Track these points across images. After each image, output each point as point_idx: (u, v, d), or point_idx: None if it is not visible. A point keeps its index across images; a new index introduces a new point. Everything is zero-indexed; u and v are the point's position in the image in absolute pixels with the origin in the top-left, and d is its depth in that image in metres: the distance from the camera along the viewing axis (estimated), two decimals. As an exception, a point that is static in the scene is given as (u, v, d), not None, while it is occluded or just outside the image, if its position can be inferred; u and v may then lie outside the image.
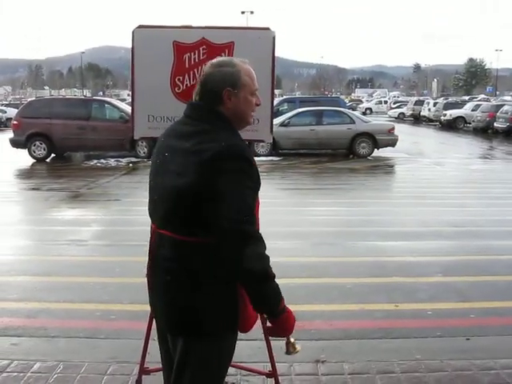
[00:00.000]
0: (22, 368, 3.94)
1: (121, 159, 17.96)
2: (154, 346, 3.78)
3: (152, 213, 2.37)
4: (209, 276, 2.21)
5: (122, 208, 10.62)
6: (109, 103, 20.00)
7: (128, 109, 20.20)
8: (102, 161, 17.91)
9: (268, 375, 3.58)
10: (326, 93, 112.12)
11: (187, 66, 3.38)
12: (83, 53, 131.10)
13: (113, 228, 8.97)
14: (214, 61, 2.38)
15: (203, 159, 2.11)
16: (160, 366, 3.80)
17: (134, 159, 17.87)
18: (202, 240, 2.17)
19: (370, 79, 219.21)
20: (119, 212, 10.22)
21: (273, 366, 3.51)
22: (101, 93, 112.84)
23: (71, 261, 6.88)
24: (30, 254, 7.27)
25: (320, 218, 9.42)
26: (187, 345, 2.31)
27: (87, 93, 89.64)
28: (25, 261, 6.92)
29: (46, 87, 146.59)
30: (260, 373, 3.62)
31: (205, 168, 2.11)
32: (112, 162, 17.74)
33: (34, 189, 13.01)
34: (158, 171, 2.31)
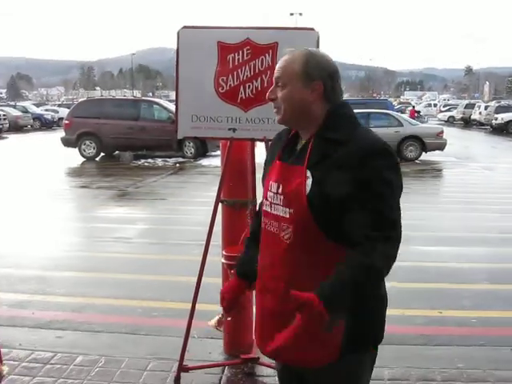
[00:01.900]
0: (65, 360, 4.03)
1: (168, 159, 18.20)
2: (194, 344, 3.85)
3: None
4: None
5: (167, 207, 10.75)
6: (157, 104, 20.28)
7: (176, 109, 20.44)
8: (150, 160, 18.18)
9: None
10: (375, 95, 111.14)
11: (231, 66, 3.40)
12: (134, 54, 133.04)
13: (158, 226, 9.09)
14: None
15: None
16: (199, 363, 3.88)
17: (180, 159, 18.09)
18: None
19: (419, 82, 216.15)
20: (165, 211, 10.35)
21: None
22: (150, 94, 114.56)
23: (117, 258, 7.00)
24: (78, 250, 7.43)
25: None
26: None
27: (137, 94, 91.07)
28: (72, 256, 7.08)
29: (98, 88, 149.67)
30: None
31: None
32: (159, 161, 17.99)
33: (83, 187, 13.29)
34: None
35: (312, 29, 3.44)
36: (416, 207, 10.49)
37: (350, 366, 2.10)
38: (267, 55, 3.37)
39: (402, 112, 36.09)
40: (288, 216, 2.01)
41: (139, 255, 7.16)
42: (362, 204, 1.93)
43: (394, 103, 45.89)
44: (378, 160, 1.98)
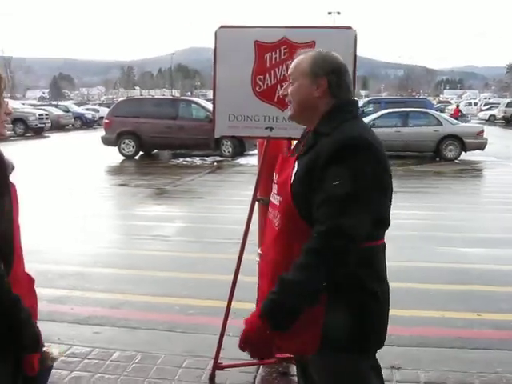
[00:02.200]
0: (102, 356, 4.10)
1: (206, 158, 18.32)
2: (229, 342, 3.86)
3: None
4: None
5: (205, 206, 10.81)
6: (195, 103, 20.41)
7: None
8: (188, 159, 18.32)
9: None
10: (414, 94, 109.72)
11: (268, 65, 3.40)
12: (173, 54, 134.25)
13: (196, 225, 9.15)
14: None
15: None
16: (233, 362, 3.89)
17: (218, 158, 18.19)
18: None
19: (459, 80, 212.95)
20: (202, 209, 10.41)
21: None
22: (189, 93, 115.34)
23: (155, 255, 7.07)
24: (116, 248, 7.54)
25: (404, 221, 9.21)
26: None
27: (176, 93, 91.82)
28: (111, 254, 7.18)
29: (137, 87, 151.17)
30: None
31: None
32: (197, 160, 18.12)
33: (122, 185, 13.47)
34: None
35: (349, 27, 3.42)
36: (456, 207, 10.36)
37: (338, 365, 2.14)
38: (304, 54, 3.36)
39: (442, 111, 35.63)
40: (278, 204, 2.15)
41: (177, 253, 7.22)
42: (320, 199, 1.97)
43: (434, 102, 45.25)
44: (346, 155, 1.97)
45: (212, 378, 3.76)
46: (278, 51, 3.38)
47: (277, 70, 3.40)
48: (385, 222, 2.15)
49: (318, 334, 2.05)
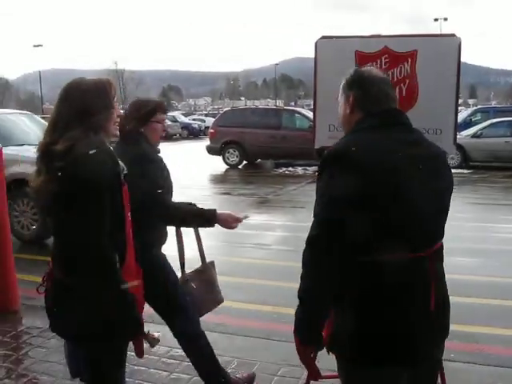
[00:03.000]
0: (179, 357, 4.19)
1: (308, 168, 18.33)
2: (325, 353, 3.84)
3: (422, 236, 2.10)
4: None
5: (306, 215, 10.73)
6: (298, 113, 20.51)
7: (317, 118, 20.53)
8: (290, 169, 18.43)
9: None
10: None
11: (368, 75, 3.38)
12: (277, 64, 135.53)
13: (296, 234, 9.14)
14: None
15: (445, 157, 2.27)
16: (328, 373, 3.86)
17: (320, 168, 18.11)
18: None
19: None
20: (304, 219, 10.35)
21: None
22: (293, 103, 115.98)
23: (255, 263, 7.17)
24: (218, 254, 7.67)
25: (510, 235, 8.83)
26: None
27: (280, 103, 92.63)
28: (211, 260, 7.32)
29: (242, 98, 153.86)
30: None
31: (447, 163, 2.30)
32: (299, 170, 18.18)
33: (225, 193, 13.75)
34: (420, 184, 2.07)
35: (453, 35, 3.33)
36: None
37: (341, 372, 2.26)
38: (406, 63, 3.32)
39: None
40: None
41: (277, 262, 7.29)
42: None
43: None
44: (322, 168, 2.12)
45: (307, 387, 3.75)
46: (378, 61, 3.35)
47: (378, 79, 3.37)
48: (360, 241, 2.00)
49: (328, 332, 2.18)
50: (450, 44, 3.29)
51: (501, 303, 5.54)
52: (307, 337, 2.11)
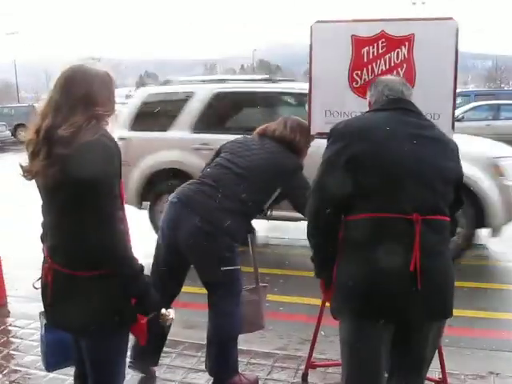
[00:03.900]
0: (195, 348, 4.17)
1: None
2: (322, 341, 3.83)
3: (407, 200, 2.31)
4: None
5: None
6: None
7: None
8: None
9: (438, 382, 3.46)
10: (503, 86, 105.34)
11: (365, 60, 3.34)
12: (255, 50, 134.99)
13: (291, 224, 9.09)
14: None
15: (455, 148, 2.48)
16: (327, 361, 3.85)
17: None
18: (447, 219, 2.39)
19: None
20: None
21: (443, 373, 3.39)
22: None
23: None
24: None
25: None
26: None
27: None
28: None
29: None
30: (429, 379, 3.50)
31: (457, 156, 2.47)
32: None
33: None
34: (413, 156, 2.34)
35: (451, 18, 3.29)
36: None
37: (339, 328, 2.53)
38: (403, 47, 3.28)
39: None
40: None
41: (266, 249, 7.22)
42: None
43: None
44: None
45: (305, 376, 3.74)
46: (375, 45, 3.31)
47: (374, 64, 3.33)
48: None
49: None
50: (447, 27, 3.26)
51: None
52: (317, 273, 2.65)
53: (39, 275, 2.41)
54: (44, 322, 2.53)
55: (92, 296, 2.18)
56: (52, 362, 2.64)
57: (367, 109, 3.34)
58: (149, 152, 7.05)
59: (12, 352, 4.22)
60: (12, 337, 4.50)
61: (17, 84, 75.84)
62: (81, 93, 2.17)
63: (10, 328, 4.68)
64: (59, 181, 2.10)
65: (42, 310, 2.47)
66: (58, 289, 2.28)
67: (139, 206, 7.17)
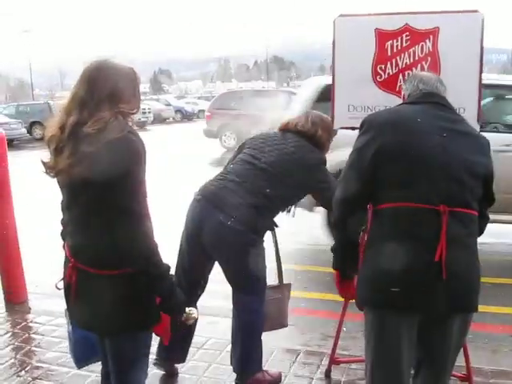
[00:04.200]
0: (217, 346, 4.16)
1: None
2: (344, 337, 3.80)
3: (434, 191, 2.32)
4: None
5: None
6: (295, 94, 20.27)
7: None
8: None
9: (462, 378, 3.43)
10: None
11: (389, 54, 3.30)
12: (269, 46, 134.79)
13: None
14: None
15: (486, 143, 2.48)
16: (350, 358, 3.83)
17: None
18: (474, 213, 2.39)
19: None
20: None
21: (468, 369, 3.35)
22: (285, 84, 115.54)
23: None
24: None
25: None
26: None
27: (271, 85, 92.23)
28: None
29: (234, 80, 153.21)
30: (453, 375, 3.47)
31: (488, 151, 2.47)
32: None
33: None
34: (442, 149, 2.35)
35: (476, 11, 3.24)
36: None
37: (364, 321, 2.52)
38: (427, 41, 3.24)
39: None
40: None
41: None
42: None
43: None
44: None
45: (328, 372, 3.72)
46: (399, 39, 3.27)
47: (398, 58, 3.29)
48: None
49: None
50: (472, 20, 3.21)
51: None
52: (337, 263, 2.73)
53: (61, 275, 2.38)
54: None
55: (117, 296, 2.15)
56: (81, 358, 2.65)
57: (391, 103, 3.34)
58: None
59: (34, 348, 4.23)
60: (33, 333, 4.51)
61: (32, 82, 76.33)
62: (107, 89, 2.13)
63: (31, 325, 4.69)
64: (85, 179, 2.05)
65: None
66: (82, 289, 2.25)
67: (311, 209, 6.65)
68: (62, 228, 2.40)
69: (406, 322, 2.36)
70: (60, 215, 2.37)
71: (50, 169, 2.18)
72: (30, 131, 26.78)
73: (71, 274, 2.25)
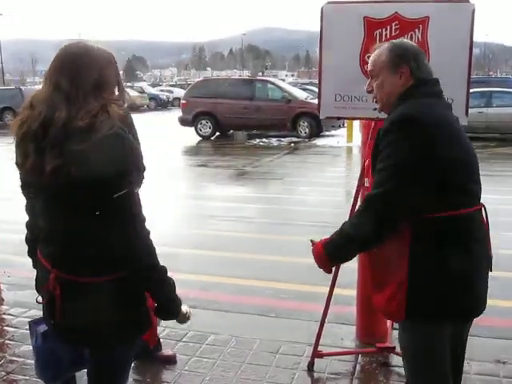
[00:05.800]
0: (197, 339, 4.08)
1: (282, 139, 18.25)
2: (325, 329, 3.76)
3: (477, 189, 2.31)
4: None
5: (286, 187, 10.72)
6: (272, 83, 20.23)
7: (290, 89, 20.36)
8: (265, 140, 18.30)
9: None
10: (491, 73, 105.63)
11: (378, 42, 3.22)
12: (244, 34, 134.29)
13: (278, 207, 9.06)
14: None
15: None
16: (332, 350, 3.78)
17: (295, 139, 18.04)
18: None
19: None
20: (283, 191, 10.33)
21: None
22: (260, 74, 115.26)
23: (240, 237, 7.05)
24: (201, 229, 7.54)
25: (488, 206, 8.83)
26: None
27: (246, 74, 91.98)
28: (195, 234, 7.20)
29: (208, 68, 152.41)
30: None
31: None
32: (274, 141, 18.06)
33: (201, 165, 13.55)
34: (471, 145, 2.31)
35: (467, 0, 3.18)
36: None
37: (413, 335, 2.28)
38: (417, 30, 3.17)
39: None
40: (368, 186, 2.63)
41: (261, 235, 7.17)
42: (376, 169, 2.20)
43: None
44: (391, 133, 2.15)
45: (311, 365, 3.67)
46: (388, 28, 3.19)
47: (387, 47, 3.22)
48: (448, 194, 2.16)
49: (403, 298, 2.19)
50: (463, 10, 3.14)
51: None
52: (334, 257, 2.40)
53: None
54: (40, 331, 2.28)
55: (112, 304, 1.95)
56: (50, 374, 2.37)
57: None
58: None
59: (8, 341, 4.09)
60: (7, 326, 4.37)
61: (2, 67, 74.85)
62: (92, 79, 1.91)
63: (4, 316, 4.55)
64: (76, 179, 1.82)
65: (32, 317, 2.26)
66: (70, 301, 1.99)
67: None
68: (28, 233, 2.20)
69: (449, 330, 2.29)
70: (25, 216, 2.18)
71: (33, 171, 1.89)
72: (1, 117, 26.25)
73: (54, 286, 1.99)
